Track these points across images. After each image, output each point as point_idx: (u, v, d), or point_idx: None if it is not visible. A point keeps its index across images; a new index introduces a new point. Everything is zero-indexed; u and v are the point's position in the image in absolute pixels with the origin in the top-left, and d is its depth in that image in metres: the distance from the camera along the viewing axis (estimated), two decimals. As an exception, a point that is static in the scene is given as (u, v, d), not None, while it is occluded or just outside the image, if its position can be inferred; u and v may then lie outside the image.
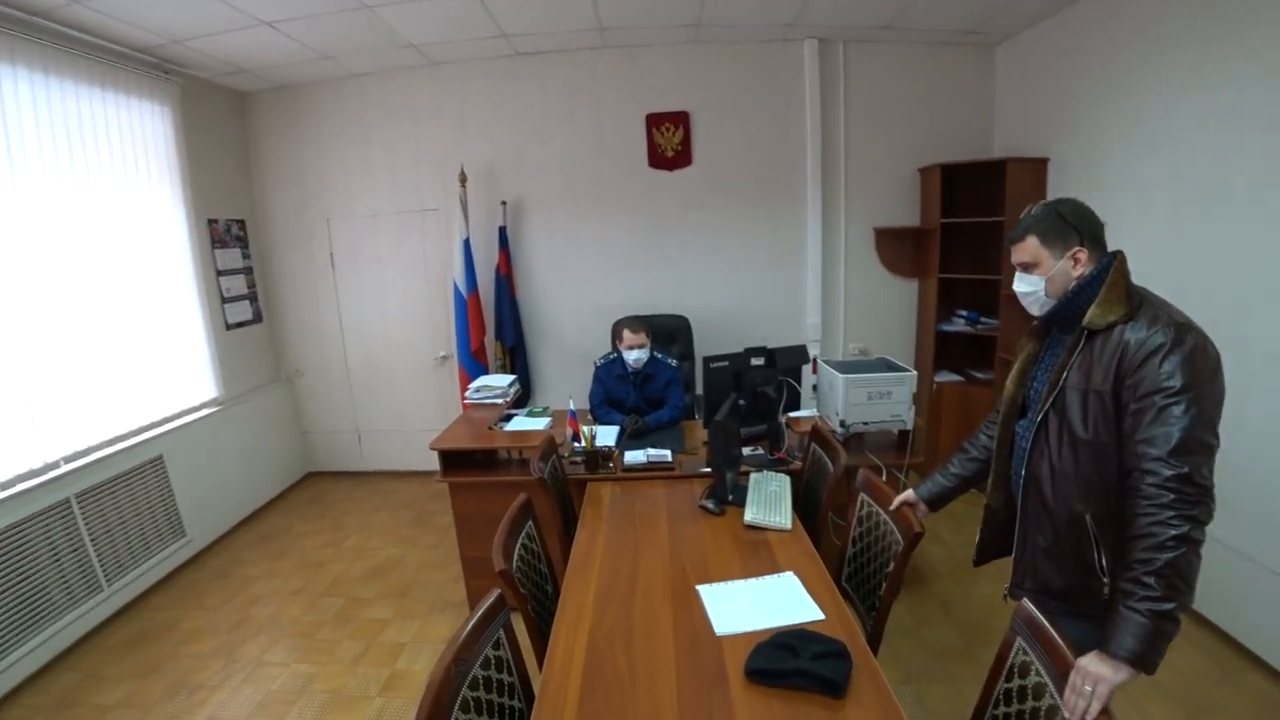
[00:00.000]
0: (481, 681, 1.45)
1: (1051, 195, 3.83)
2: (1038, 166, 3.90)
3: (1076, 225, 1.52)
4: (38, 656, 2.93)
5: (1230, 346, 2.55)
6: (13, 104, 3.03)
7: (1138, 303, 1.45)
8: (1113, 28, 3.31)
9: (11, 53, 3.01)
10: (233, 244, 4.58)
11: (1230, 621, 2.76)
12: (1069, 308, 1.54)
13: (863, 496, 2.23)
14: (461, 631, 1.44)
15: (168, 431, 3.85)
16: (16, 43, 3.03)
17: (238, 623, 3.29)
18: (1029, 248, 1.57)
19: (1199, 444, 1.30)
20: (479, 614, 1.51)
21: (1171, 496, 1.28)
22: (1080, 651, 1.31)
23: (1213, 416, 1.33)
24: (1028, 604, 1.45)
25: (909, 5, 3.67)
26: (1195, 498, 1.27)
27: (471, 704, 1.39)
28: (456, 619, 3.18)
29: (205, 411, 4.22)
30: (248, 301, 4.74)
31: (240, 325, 4.65)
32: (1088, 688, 1.24)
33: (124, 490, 3.49)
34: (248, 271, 4.75)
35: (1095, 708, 1.22)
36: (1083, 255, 1.52)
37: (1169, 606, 1.26)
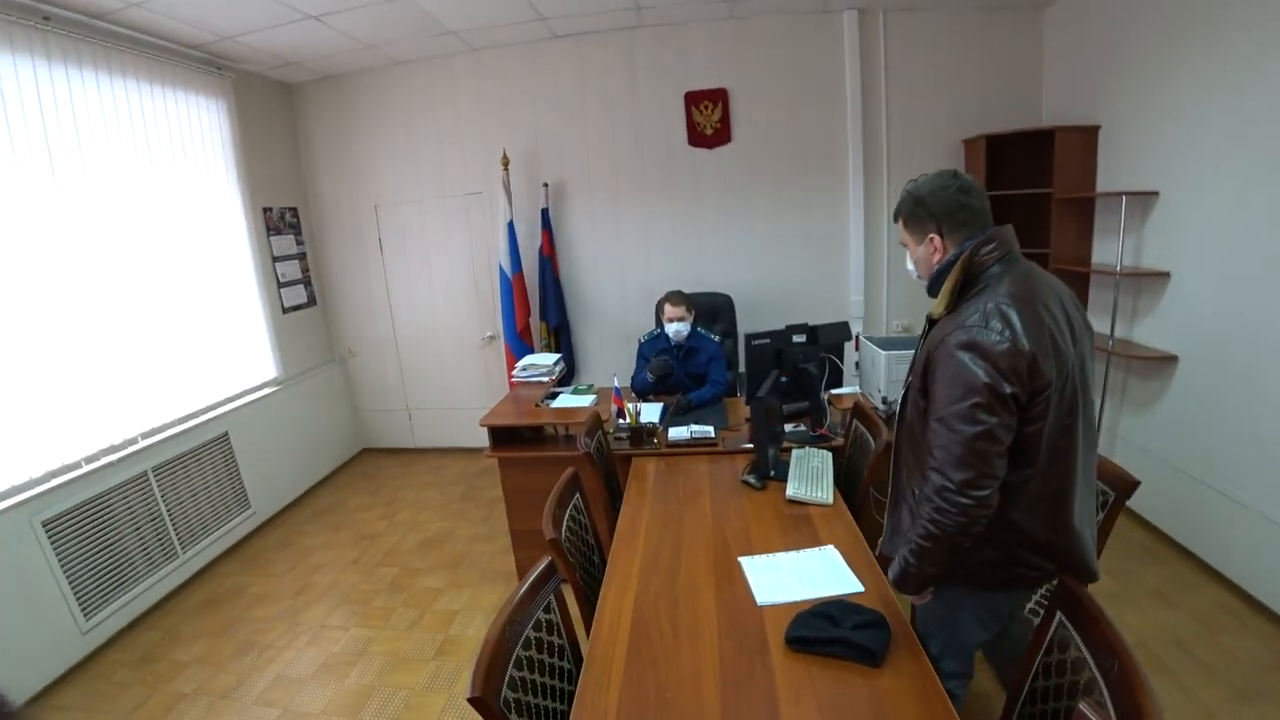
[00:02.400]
0: (534, 642, 1.53)
1: (1102, 166, 3.74)
2: (1088, 135, 3.77)
3: (932, 212, 1.53)
4: (121, 616, 3.19)
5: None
6: (81, 102, 3.21)
7: (969, 295, 1.46)
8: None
9: (78, 54, 3.19)
10: (286, 231, 4.76)
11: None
12: (933, 291, 1.56)
13: None
14: (515, 595, 1.52)
15: (232, 410, 4.07)
16: (81, 45, 3.20)
17: (300, 589, 3.49)
18: (900, 230, 1.65)
19: (970, 456, 1.37)
20: (530, 580, 1.59)
21: (937, 503, 1.42)
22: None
23: (991, 422, 1.36)
24: (1070, 582, 1.47)
25: (955, -29, 3.58)
26: (954, 509, 1.39)
27: (525, 662, 1.47)
28: (506, 589, 3.31)
29: (266, 391, 4.43)
30: (302, 286, 4.93)
31: (296, 308, 4.85)
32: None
33: (194, 465, 3.71)
34: (301, 257, 4.93)
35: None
36: (938, 242, 1.53)
37: (913, 570, 1.53)
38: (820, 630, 1.58)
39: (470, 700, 1.24)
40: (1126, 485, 1.98)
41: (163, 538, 3.46)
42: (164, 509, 3.47)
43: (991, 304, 1.40)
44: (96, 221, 3.27)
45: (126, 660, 2.98)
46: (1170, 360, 3.24)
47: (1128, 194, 3.34)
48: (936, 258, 1.55)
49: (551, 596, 1.66)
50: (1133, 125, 3.49)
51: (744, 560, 1.98)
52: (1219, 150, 2.92)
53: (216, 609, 3.36)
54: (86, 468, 3.11)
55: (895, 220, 1.67)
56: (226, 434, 3.97)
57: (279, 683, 2.76)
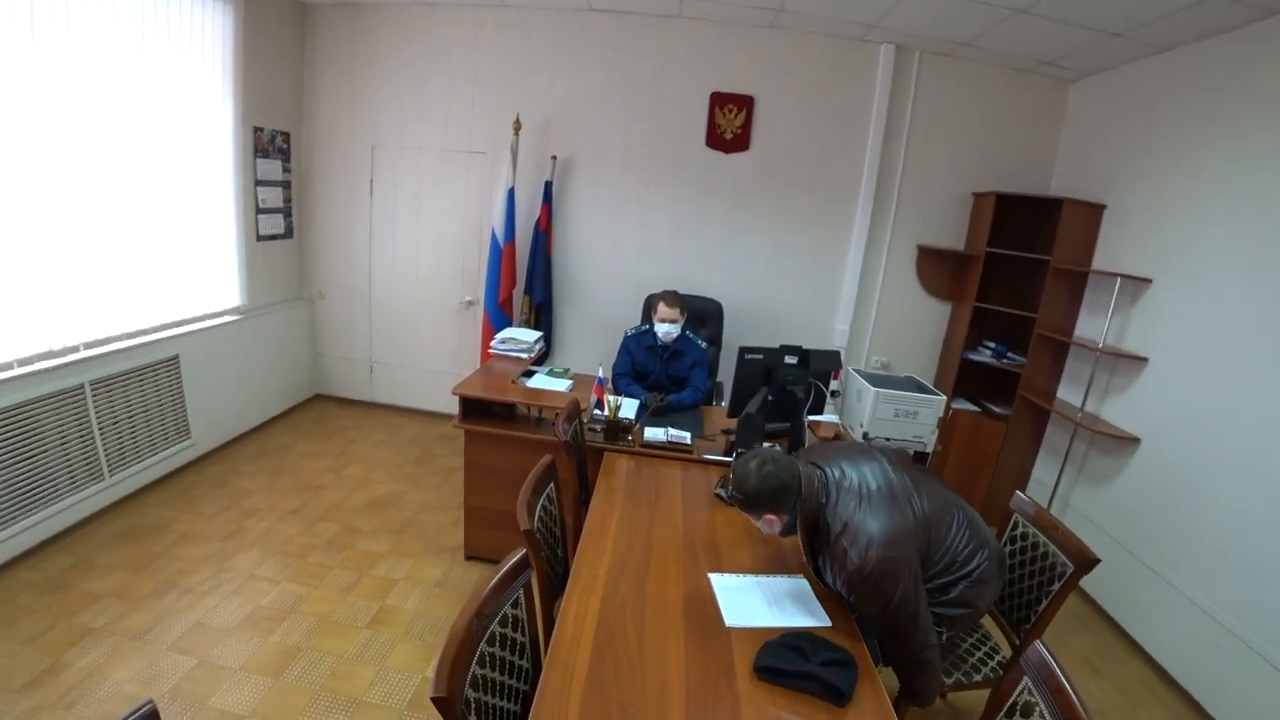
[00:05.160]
0: (499, 638, 1.45)
1: (1103, 242, 3.82)
2: (1094, 211, 3.84)
3: (763, 504, 1.82)
4: (33, 534, 2.96)
5: (1265, 424, 2.58)
6: (80, -21, 2.95)
7: (823, 518, 1.80)
8: (1196, 87, 3.22)
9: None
10: (275, 155, 4.51)
11: (1199, 689, 2.78)
12: (791, 529, 1.88)
13: (1017, 517, 2.29)
14: (485, 586, 1.44)
15: (187, 333, 3.83)
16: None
17: (231, 533, 3.31)
18: (750, 518, 1.91)
19: (903, 628, 1.75)
20: (503, 571, 1.51)
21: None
22: None
23: (894, 597, 1.70)
24: (1040, 647, 1.47)
25: (995, 26, 3.58)
26: (917, 655, 1.79)
27: (488, 659, 1.39)
28: (451, 564, 3.21)
29: (226, 319, 4.20)
30: (281, 215, 4.69)
31: (271, 238, 4.60)
32: None
33: (136, 384, 3.48)
34: (285, 185, 4.68)
35: None
36: (773, 518, 1.84)
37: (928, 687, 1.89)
38: (790, 662, 1.56)
39: (434, 700, 1.15)
40: (1087, 561, 2.03)
41: (90, 457, 3.24)
42: (96, 427, 3.24)
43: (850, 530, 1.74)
44: (71, 105, 3.00)
45: (33, 582, 2.77)
46: (1133, 441, 3.33)
47: (1123, 276, 3.41)
48: (777, 526, 1.85)
49: (520, 591, 1.58)
50: (1138, 212, 3.56)
51: (714, 577, 1.95)
52: (1217, 254, 3.00)
53: (138, 541, 3.16)
54: (18, 370, 2.88)
55: (741, 510, 1.92)
56: (177, 357, 3.74)
57: (197, 630, 2.60)
